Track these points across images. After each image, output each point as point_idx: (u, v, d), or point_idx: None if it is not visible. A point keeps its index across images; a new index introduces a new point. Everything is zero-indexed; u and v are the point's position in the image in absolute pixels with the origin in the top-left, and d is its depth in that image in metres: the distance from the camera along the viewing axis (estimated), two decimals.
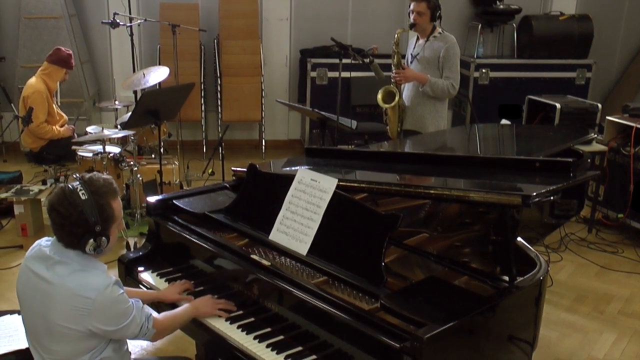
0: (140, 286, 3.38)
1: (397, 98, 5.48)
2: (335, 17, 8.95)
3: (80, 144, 6.18)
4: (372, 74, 5.64)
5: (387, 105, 5.54)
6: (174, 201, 3.60)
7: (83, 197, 2.46)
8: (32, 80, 6.40)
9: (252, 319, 2.92)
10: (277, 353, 2.67)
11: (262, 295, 2.92)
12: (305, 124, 8.85)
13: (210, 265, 3.23)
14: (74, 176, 2.62)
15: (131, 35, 7.37)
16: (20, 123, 6.22)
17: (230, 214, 3.41)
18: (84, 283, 2.44)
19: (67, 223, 2.45)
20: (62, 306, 2.44)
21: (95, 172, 2.64)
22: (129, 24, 7.23)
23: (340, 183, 3.02)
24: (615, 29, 9.57)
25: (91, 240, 2.49)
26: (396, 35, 5.45)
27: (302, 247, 2.98)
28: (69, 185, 2.50)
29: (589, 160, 3.90)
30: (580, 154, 3.99)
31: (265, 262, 2.94)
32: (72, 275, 2.46)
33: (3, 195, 6.02)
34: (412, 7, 5.43)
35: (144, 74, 6.45)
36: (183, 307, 2.93)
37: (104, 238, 2.53)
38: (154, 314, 2.79)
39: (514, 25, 9.12)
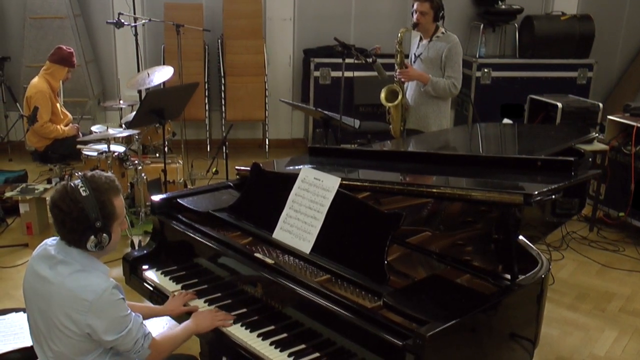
0: (145, 284, 3.39)
1: (400, 97, 5.50)
2: (338, 17, 8.98)
3: (85, 143, 6.22)
4: (375, 73, 5.66)
5: (390, 104, 5.56)
6: (178, 200, 3.61)
7: (84, 194, 2.46)
8: (35, 80, 6.43)
9: (256, 317, 2.92)
10: (281, 351, 2.68)
11: (265, 293, 2.93)
12: (309, 123, 8.88)
13: (214, 263, 3.24)
14: (77, 174, 2.62)
15: (136, 35, 7.42)
16: (25, 122, 6.25)
17: (234, 213, 3.41)
18: (83, 285, 2.44)
19: (68, 219, 2.46)
20: (61, 306, 2.45)
21: (97, 170, 2.65)
22: (133, 24, 7.27)
23: (344, 182, 3.02)
24: (616, 28, 9.58)
25: (92, 237, 2.48)
26: (399, 35, 5.47)
27: (305, 245, 2.99)
28: (71, 183, 2.50)
29: (590, 160, 3.91)
30: (582, 153, 4.00)
31: (269, 261, 2.95)
32: (72, 276, 2.46)
33: (9, 194, 6.04)
34: (415, 7, 5.45)
35: (148, 74, 6.47)
36: (183, 327, 2.88)
37: (104, 235, 2.52)
38: (153, 333, 2.75)
39: (516, 25, 9.14)
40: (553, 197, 2.90)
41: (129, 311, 2.55)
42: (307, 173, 3.14)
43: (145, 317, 3.13)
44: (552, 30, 8.76)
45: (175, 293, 3.17)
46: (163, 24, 7.96)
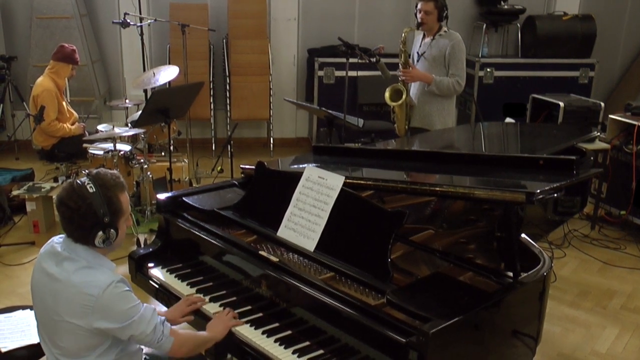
0: (151, 282, 3.41)
1: (404, 96, 5.52)
2: (342, 17, 9.00)
3: (92, 142, 6.24)
4: (378, 73, 5.68)
5: (394, 103, 5.59)
6: (184, 198, 3.62)
7: (91, 190, 2.47)
8: (41, 79, 6.47)
9: (261, 315, 2.95)
10: (285, 348, 2.70)
11: (270, 291, 2.95)
12: (313, 122, 8.89)
13: (219, 261, 3.26)
14: (83, 172, 2.64)
15: (141, 34, 7.43)
16: (32, 121, 6.28)
17: (239, 211, 3.43)
18: (88, 280, 2.45)
19: (76, 216, 2.47)
20: (67, 302, 2.46)
21: (102, 168, 2.66)
22: (139, 24, 7.29)
23: (347, 180, 3.04)
24: (617, 28, 9.60)
25: (100, 233, 2.50)
26: (403, 34, 5.48)
27: (309, 243, 3.00)
28: (77, 180, 2.52)
29: (591, 158, 3.93)
30: (584, 151, 4.02)
31: (273, 258, 2.97)
32: (78, 272, 2.47)
33: (15, 193, 6.07)
34: (419, 6, 5.47)
35: (154, 73, 6.49)
36: (203, 335, 2.84)
37: (112, 230, 2.54)
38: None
39: (518, 25, 9.15)
40: (555, 195, 2.89)
41: (136, 301, 2.54)
42: (311, 172, 3.16)
43: None
44: (554, 30, 8.77)
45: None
46: (168, 23, 7.98)
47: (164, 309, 3.29)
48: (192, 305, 3.09)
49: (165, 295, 3.31)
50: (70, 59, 6.50)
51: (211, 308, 3.06)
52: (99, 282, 2.45)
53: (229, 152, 6.73)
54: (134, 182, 6.32)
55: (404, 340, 2.33)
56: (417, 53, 5.74)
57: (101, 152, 6.00)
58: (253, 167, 3.57)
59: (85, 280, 2.45)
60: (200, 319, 3.01)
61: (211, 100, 8.64)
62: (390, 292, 2.56)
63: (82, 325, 2.46)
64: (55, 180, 6.84)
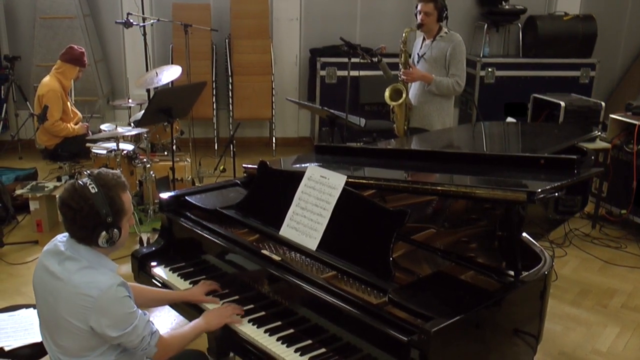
0: (153, 281, 3.42)
1: (404, 96, 5.54)
2: (344, 17, 9.02)
3: (95, 141, 6.23)
4: (380, 72, 5.69)
5: (394, 103, 5.60)
6: (186, 197, 3.63)
7: (93, 191, 2.47)
8: (47, 79, 6.48)
9: (263, 313, 2.95)
10: (288, 346, 2.71)
11: (272, 290, 2.96)
12: (315, 121, 8.91)
13: (222, 260, 3.27)
14: (84, 172, 2.65)
15: (144, 34, 7.46)
16: (36, 121, 6.29)
17: (241, 210, 3.44)
18: (88, 281, 2.45)
19: (79, 217, 2.47)
20: (67, 302, 2.46)
21: (103, 168, 2.67)
22: (142, 24, 7.30)
23: (349, 180, 3.05)
24: (618, 28, 9.62)
25: (103, 233, 2.50)
26: (404, 35, 5.51)
27: (311, 242, 3.01)
28: (79, 181, 2.52)
29: (592, 158, 3.94)
30: (585, 151, 4.03)
31: (276, 257, 2.98)
32: (79, 272, 2.47)
33: (19, 192, 6.09)
34: (419, 7, 5.49)
35: (156, 73, 6.49)
36: (192, 325, 2.88)
37: (115, 230, 2.54)
38: (161, 330, 2.72)
39: (519, 25, 9.19)
40: (556, 194, 2.89)
41: (134, 308, 2.54)
42: (313, 171, 3.16)
43: (161, 303, 3.17)
44: (555, 30, 8.80)
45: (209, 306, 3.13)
46: (171, 23, 7.99)
47: (166, 309, 3.30)
48: (211, 285, 3.18)
49: (182, 299, 3.30)
50: (79, 61, 6.52)
51: (213, 307, 3.06)
52: (99, 283, 2.45)
53: (232, 152, 6.74)
54: (137, 182, 6.30)
55: (406, 339, 2.33)
56: (418, 54, 5.76)
57: (104, 152, 6.00)
58: (255, 166, 3.57)
59: (86, 280, 2.45)
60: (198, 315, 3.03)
61: (214, 100, 8.67)
62: (392, 291, 2.57)
63: (80, 326, 2.46)
64: (59, 179, 6.85)
